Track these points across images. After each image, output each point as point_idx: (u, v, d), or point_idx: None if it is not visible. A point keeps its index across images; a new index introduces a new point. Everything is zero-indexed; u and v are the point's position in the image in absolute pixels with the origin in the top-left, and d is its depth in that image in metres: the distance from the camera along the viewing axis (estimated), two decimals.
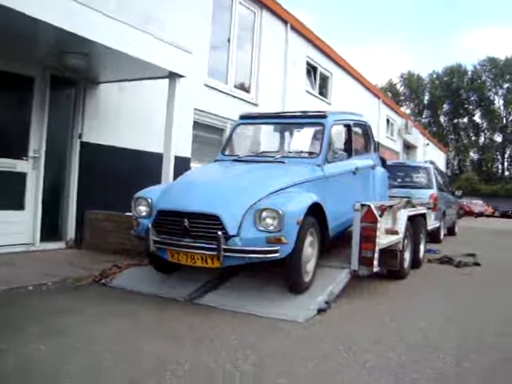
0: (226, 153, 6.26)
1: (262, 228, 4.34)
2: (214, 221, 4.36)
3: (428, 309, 5.00)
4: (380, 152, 8.64)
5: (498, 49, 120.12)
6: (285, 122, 6.63)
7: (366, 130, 7.17)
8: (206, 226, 4.40)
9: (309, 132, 6.46)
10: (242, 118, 6.69)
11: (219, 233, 4.26)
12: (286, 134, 6.72)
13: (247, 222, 4.38)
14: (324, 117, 5.94)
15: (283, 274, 4.74)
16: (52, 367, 3.03)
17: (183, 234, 4.47)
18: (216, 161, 6.14)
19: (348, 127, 6.37)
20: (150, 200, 4.90)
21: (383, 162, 7.80)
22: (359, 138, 7.02)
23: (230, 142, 6.45)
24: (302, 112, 6.58)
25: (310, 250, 4.84)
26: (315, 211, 4.83)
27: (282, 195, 4.72)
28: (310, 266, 4.85)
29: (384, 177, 7.46)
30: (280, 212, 4.30)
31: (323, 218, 5.06)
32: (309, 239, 4.80)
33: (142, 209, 4.95)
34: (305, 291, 4.74)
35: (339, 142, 6.32)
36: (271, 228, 4.32)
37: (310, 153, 5.86)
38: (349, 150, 6.25)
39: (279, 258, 4.37)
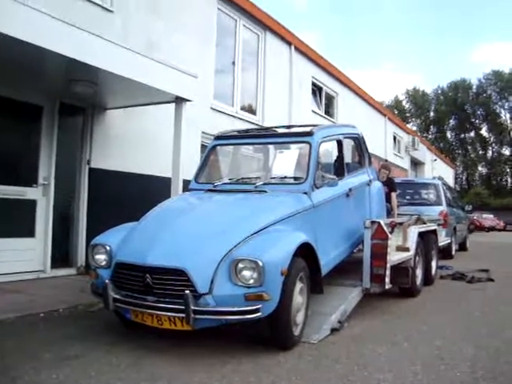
0: (201, 180, 5.50)
1: (239, 283, 3.63)
2: (180, 276, 3.65)
3: (442, 327, 4.93)
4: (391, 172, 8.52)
5: (502, 63, 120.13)
6: (266, 142, 5.95)
7: (360, 143, 6.55)
8: (171, 282, 3.69)
9: (294, 152, 5.68)
10: (217, 138, 5.85)
11: (187, 291, 3.55)
12: (269, 155, 6.10)
13: (221, 275, 3.67)
14: (310, 134, 5.19)
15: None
16: None
17: (146, 291, 3.76)
18: (189, 189, 5.46)
19: (339, 143, 5.80)
20: (108, 248, 4.16)
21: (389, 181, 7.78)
22: (352, 153, 6.61)
23: (205, 166, 5.67)
24: (286, 127, 6.04)
25: (299, 299, 4.09)
26: (304, 249, 4.16)
27: (263, 238, 4.00)
28: (300, 317, 4.10)
29: (380, 192, 7.03)
30: (259, 263, 3.57)
31: (314, 256, 4.37)
32: (298, 287, 4.06)
33: (101, 258, 4.18)
34: (293, 347, 3.99)
35: (329, 162, 5.87)
36: (250, 282, 3.61)
37: (296, 178, 5.11)
38: (340, 168, 5.67)
39: (262, 317, 3.68)
